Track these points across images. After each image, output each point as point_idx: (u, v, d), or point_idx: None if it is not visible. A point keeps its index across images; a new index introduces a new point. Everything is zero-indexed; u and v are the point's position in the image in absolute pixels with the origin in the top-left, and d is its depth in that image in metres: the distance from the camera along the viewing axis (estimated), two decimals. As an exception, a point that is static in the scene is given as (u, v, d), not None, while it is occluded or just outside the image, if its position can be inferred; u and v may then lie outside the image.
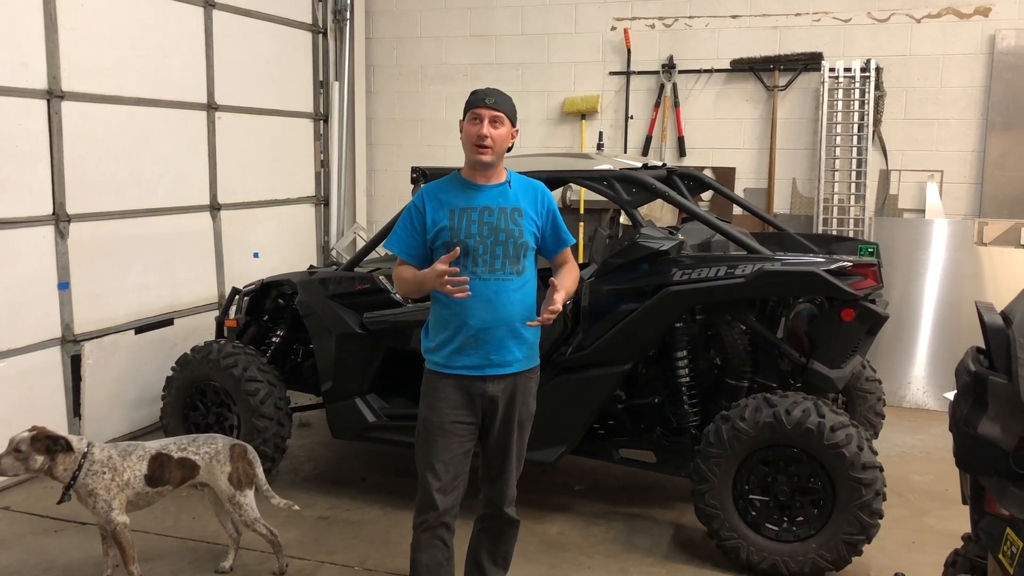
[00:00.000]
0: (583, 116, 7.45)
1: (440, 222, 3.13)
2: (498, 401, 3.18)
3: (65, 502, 3.59)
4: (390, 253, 4.52)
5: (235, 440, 3.84)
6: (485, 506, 3.39)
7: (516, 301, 3.15)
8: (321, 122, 7.64)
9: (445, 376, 3.18)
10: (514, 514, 3.37)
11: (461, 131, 3.17)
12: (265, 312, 5.24)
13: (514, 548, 3.46)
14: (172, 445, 3.71)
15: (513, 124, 3.17)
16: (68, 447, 3.48)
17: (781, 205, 7.06)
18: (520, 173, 3.27)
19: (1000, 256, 6.28)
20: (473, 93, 3.16)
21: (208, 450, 3.71)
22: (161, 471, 3.62)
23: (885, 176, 6.81)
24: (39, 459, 3.45)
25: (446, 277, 2.95)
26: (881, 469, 3.73)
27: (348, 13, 7.61)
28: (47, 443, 3.46)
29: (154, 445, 3.69)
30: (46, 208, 5.04)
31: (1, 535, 4.31)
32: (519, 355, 3.19)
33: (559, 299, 3.07)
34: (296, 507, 3.94)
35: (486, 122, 3.07)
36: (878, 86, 6.68)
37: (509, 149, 3.21)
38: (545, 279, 3.25)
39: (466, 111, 3.14)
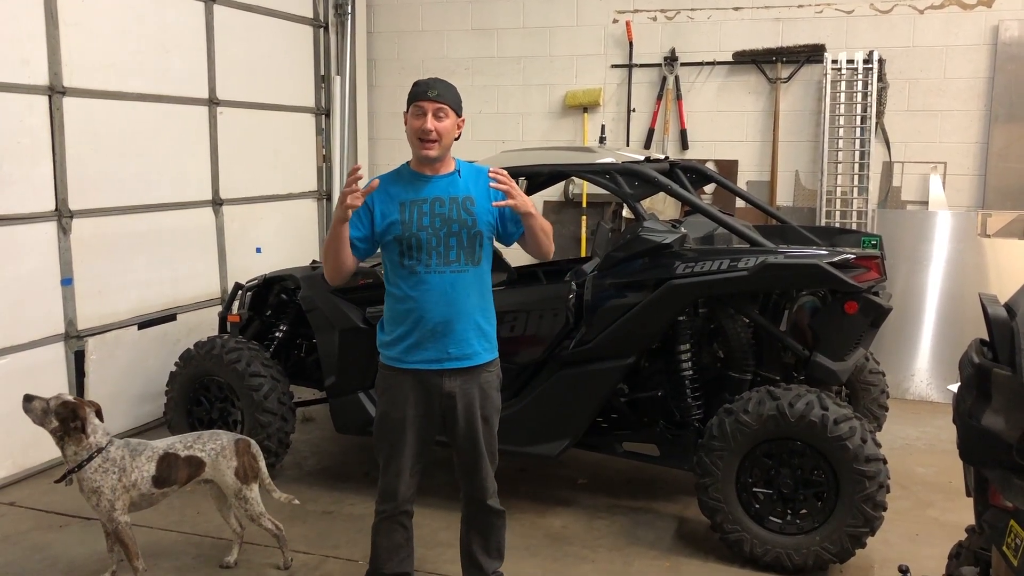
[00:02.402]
0: (585, 109, 7.43)
1: (390, 216, 3.08)
2: (455, 398, 3.15)
3: (65, 484, 3.55)
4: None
5: (239, 435, 3.85)
6: (467, 503, 3.38)
7: (474, 292, 3.11)
8: (323, 117, 7.64)
9: (402, 372, 3.15)
10: (498, 505, 3.36)
11: (405, 123, 3.10)
12: (268, 307, 5.24)
13: (505, 537, 3.45)
14: (178, 444, 3.69)
15: (459, 114, 3.10)
16: (79, 430, 3.45)
17: (784, 198, 7.04)
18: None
19: (1004, 248, 6.26)
20: (415, 85, 3.09)
21: (214, 446, 3.71)
22: (169, 472, 3.61)
23: (888, 168, 6.79)
24: (54, 423, 3.45)
25: (346, 191, 2.90)
26: (885, 461, 3.72)
27: (349, 7, 7.59)
28: (67, 415, 3.44)
29: (161, 444, 3.67)
30: (48, 204, 5.04)
31: (6, 531, 4.32)
32: (478, 348, 3.16)
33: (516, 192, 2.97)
34: (296, 501, 3.95)
35: (430, 115, 3.01)
36: (881, 78, 6.66)
37: (456, 139, 3.15)
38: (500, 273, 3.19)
39: (409, 104, 3.07)
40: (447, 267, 3.06)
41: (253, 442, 3.85)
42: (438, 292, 3.06)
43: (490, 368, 3.24)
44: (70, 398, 3.50)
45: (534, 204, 3.04)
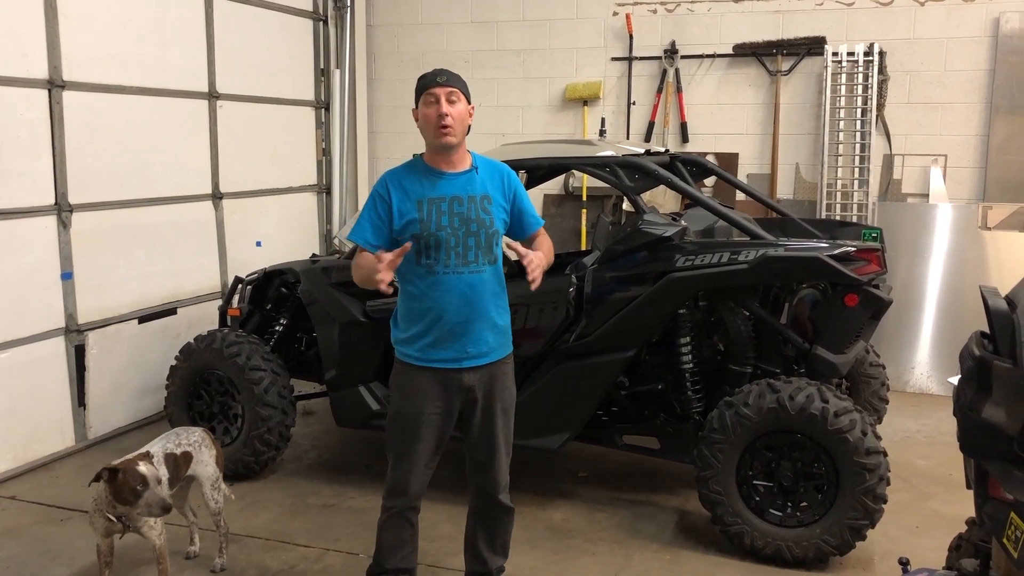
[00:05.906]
0: (585, 102, 7.42)
1: (408, 214, 3.02)
2: (475, 391, 3.13)
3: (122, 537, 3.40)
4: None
5: (201, 426, 3.91)
6: (477, 496, 3.34)
7: (490, 292, 3.09)
8: (322, 110, 7.63)
9: (420, 369, 3.12)
10: (508, 501, 3.33)
11: (416, 119, 3.06)
12: (268, 301, 5.24)
13: (511, 534, 3.44)
14: (168, 444, 3.65)
15: (468, 100, 3.07)
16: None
17: (784, 191, 7.04)
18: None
19: (1004, 240, 6.26)
20: (421, 77, 3.06)
21: (196, 438, 3.75)
22: (176, 470, 3.61)
23: (889, 161, 6.78)
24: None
25: (381, 266, 2.83)
26: (885, 454, 3.73)
27: (348, 0, 7.57)
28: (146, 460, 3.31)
29: (156, 448, 3.59)
30: (48, 198, 5.04)
31: (8, 524, 4.33)
32: (495, 344, 3.14)
33: (534, 260, 2.93)
34: (232, 497, 4.00)
35: (443, 100, 2.97)
36: (881, 70, 6.64)
37: (467, 130, 3.11)
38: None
39: (418, 96, 3.03)
40: (466, 267, 3.02)
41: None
42: (456, 293, 3.02)
43: (506, 361, 3.23)
44: (144, 460, 3.28)
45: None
